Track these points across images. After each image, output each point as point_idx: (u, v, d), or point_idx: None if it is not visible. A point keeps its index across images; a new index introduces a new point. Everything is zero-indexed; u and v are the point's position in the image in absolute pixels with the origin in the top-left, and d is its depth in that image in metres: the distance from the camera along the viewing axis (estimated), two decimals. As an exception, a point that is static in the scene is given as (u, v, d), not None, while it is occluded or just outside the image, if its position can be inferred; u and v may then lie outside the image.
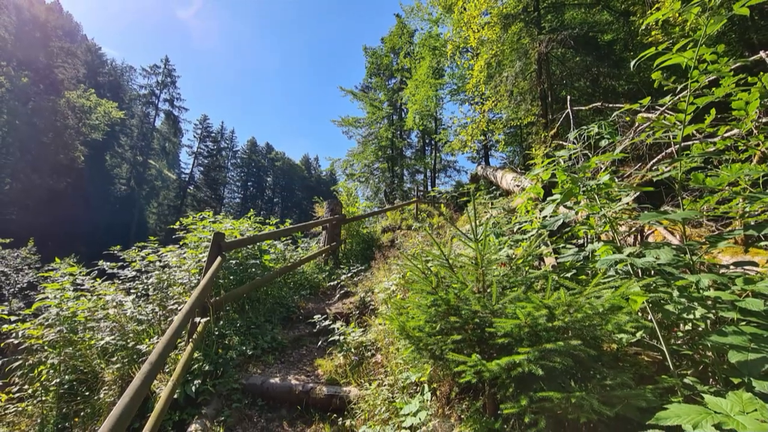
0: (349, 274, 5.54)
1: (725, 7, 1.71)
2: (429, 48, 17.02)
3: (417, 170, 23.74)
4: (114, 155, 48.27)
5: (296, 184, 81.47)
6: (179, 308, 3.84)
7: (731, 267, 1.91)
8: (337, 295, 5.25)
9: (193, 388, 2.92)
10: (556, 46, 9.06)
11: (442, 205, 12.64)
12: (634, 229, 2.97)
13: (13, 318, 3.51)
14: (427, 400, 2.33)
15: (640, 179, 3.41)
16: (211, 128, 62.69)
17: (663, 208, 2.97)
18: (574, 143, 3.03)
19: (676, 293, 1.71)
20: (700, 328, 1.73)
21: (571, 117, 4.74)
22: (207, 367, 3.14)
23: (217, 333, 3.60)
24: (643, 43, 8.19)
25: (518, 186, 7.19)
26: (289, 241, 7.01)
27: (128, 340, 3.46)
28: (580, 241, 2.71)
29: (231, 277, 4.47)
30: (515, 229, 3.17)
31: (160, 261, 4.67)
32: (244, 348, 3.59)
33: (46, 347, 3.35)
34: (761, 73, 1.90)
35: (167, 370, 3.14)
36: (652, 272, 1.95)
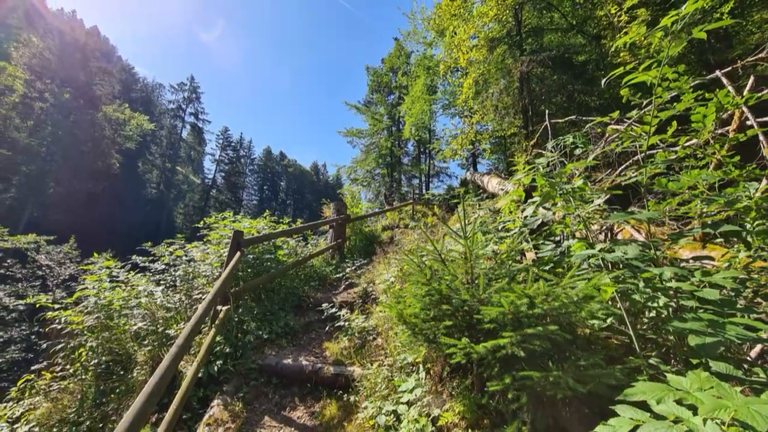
0: (353, 268, 5.53)
1: (685, 31, 1.71)
2: (423, 68, 16.98)
3: (413, 175, 23.67)
4: (145, 162, 48.27)
5: (306, 188, 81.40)
6: (203, 297, 3.84)
7: (691, 261, 1.90)
8: (343, 286, 5.25)
9: (216, 368, 2.93)
10: (536, 66, 9.05)
11: (436, 207, 12.61)
12: (604, 227, 2.97)
13: (56, 306, 3.51)
14: (422, 379, 2.33)
15: (610, 183, 3.40)
16: (231, 138, 62.67)
17: (630, 209, 2.97)
18: (551, 152, 3.03)
19: (642, 284, 1.71)
20: (663, 315, 1.73)
21: (549, 129, 4.74)
22: (228, 350, 3.14)
23: (236, 319, 3.59)
24: (612, 63, 8.17)
25: (502, 189, 7.18)
26: (300, 238, 7.01)
27: (158, 326, 3.46)
28: (557, 238, 2.71)
29: (249, 270, 4.47)
30: (500, 228, 3.17)
31: (186, 256, 4.67)
32: (260, 332, 3.59)
33: (85, 332, 3.35)
34: (717, 90, 1.90)
35: (192, 352, 3.14)
36: (621, 266, 1.94)
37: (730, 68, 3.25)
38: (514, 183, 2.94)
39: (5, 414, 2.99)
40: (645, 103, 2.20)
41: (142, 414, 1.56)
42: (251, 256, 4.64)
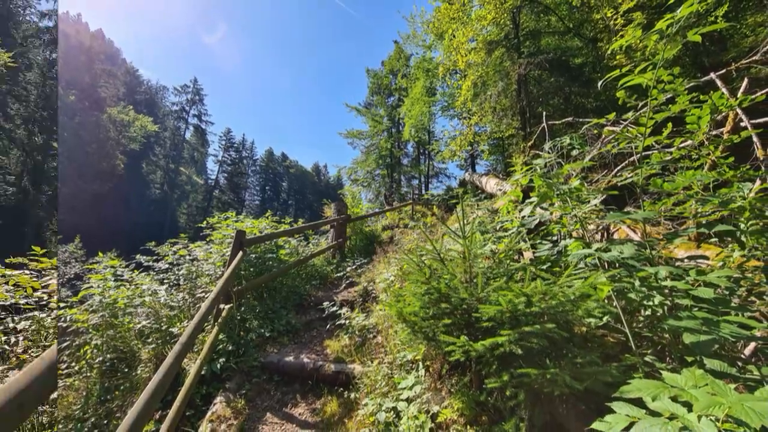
0: (354, 267, 5.53)
1: (680, 34, 1.71)
2: (423, 70, 16.99)
3: (413, 176, 23.67)
4: (149, 163, 48.30)
5: (308, 189, 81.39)
6: (206, 296, 3.84)
7: (686, 260, 1.90)
8: (343, 285, 5.25)
9: (218, 366, 2.93)
10: (533, 68, 9.06)
11: (435, 207, 12.60)
12: (601, 227, 2.97)
13: (62, 305, 3.51)
14: (422, 376, 2.33)
15: (607, 184, 3.40)
16: (234, 140, 62.56)
17: (626, 209, 2.97)
18: (549, 153, 3.03)
19: (637, 283, 1.71)
20: (658, 314, 1.73)
21: (546, 130, 4.74)
22: (230, 347, 3.14)
23: (239, 317, 3.59)
24: (609, 65, 8.17)
25: (500, 190, 7.18)
26: (302, 237, 7.01)
27: (162, 324, 3.46)
28: (554, 238, 2.71)
29: (251, 269, 4.47)
30: (498, 228, 3.17)
31: (189, 255, 4.67)
32: (262, 330, 3.59)
33: (90, 330, 3.34)
34: (711, 92, 1.90)
35: (196, 350, 3.14)
36: (617, 265, 1.95)
37: (724, 71, 3.25)
38: (512, 183, 2.94)
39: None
40: (641, 105, 2.20)
41: (146, 411, 1.56)
42: (253, 256, 4.63)
